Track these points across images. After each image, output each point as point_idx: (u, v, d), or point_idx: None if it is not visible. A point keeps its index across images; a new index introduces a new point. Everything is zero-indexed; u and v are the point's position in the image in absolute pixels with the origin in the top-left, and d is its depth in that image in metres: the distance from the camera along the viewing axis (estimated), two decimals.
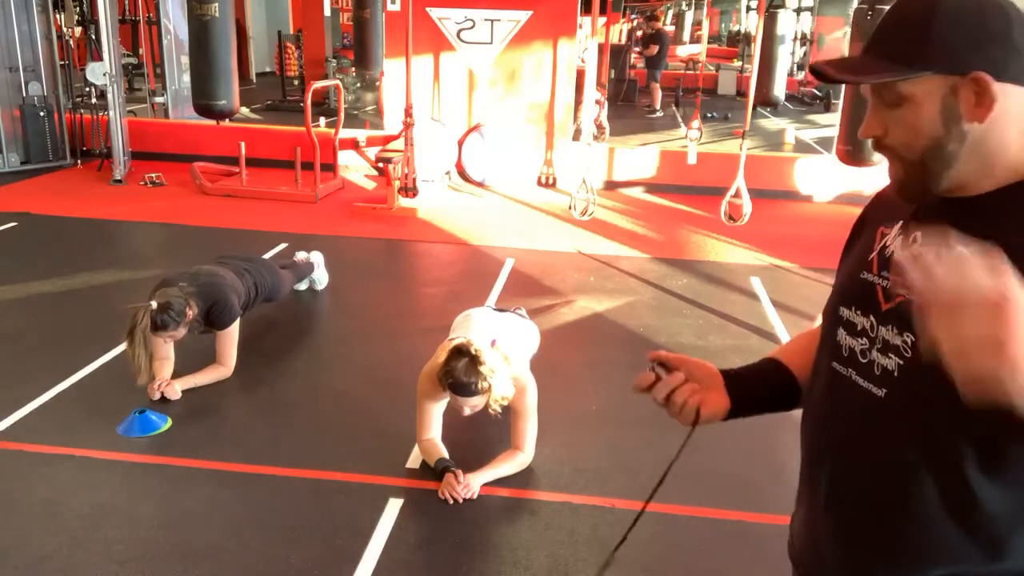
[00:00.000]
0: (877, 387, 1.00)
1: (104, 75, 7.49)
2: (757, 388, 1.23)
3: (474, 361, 2.76)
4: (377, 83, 11.66)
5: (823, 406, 1.10)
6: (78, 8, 10.72)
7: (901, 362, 0.97)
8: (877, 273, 1.04)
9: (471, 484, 2.85)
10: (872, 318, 1.02)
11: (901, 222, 1.06)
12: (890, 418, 0.98)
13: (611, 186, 8.06)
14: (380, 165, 7.62)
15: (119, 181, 7.60)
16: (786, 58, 11.08)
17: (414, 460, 3.08)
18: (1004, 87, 0.89)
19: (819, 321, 1.33)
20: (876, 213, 1.14)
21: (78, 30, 11.27)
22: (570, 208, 6.85)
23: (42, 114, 8.06)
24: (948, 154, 0.93)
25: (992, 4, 0.91)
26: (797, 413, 1.21)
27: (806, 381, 1.19)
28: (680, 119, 13.09)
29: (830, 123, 11.06)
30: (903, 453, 0.97)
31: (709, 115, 12.34)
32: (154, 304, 3.33)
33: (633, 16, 20.29)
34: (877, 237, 1.08)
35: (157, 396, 3.45)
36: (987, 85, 0.89)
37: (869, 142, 1.00)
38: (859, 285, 1.06)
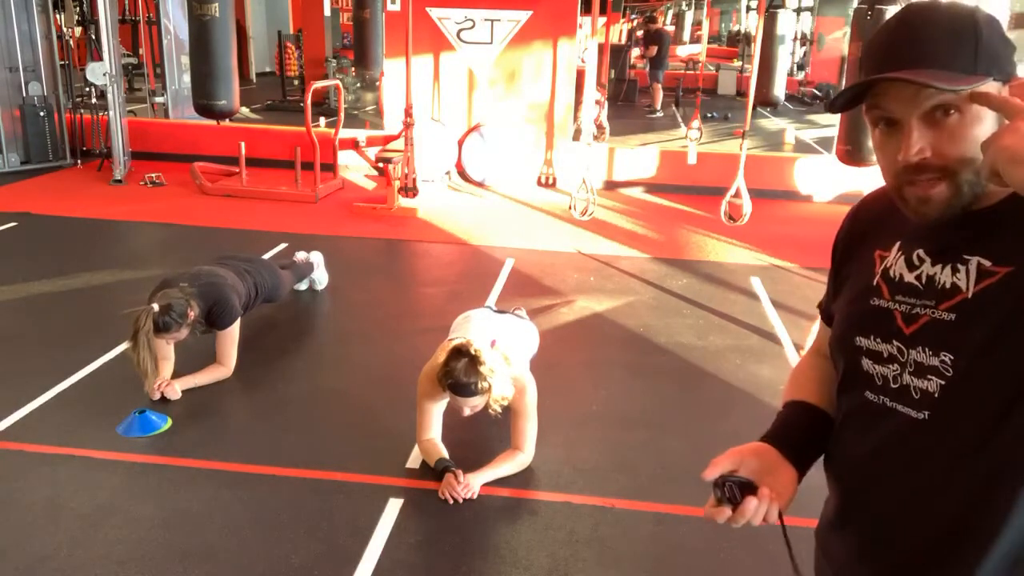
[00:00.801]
0: (916, 411, 0.98)
1: (104, 75, 7.49)
2: (808, 440, 1.17)
3: (474, 361, 2.76)
4: (377, 83, 11.67)
5: (860, 439, 1.07)
6: (78, 8, 10.72)
7: (943, 382, 0.95)
8: (891, 298, 1.02)
9: (471, 484, 2.85)
10: (897, 343, 1.00)
11: (899, 242, 1.04)
12: (935, 439, 0.96)
13: (611, 186, 8.06)
14: (380, 165, 7.62)
15: (119, 181, 7.61)
16: (786, 58, 11.09)
17: (414, 460, 3.08)
18: None
19: (808, 344, 1.31)
20: (863, 236, 1.12)
21: (78, 30, 11.27)
22: (570, 208, 6.85)
23: (42, 114, 8.06)
24: None
25: (994, 17, 0.92)
26: None
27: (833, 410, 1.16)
28: (680, 119, 13.09)
29: (830, 123, 11.06)
30: (953, 474, 0.95)
31: (709, 115, 12.35)
32: (155, 306, 3.33)
33: (633, 16, 20.31)
34: (876, 261, 1.06)
35: (157, 396, 3.45)
36: None
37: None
38: (872, 313, 1.04)
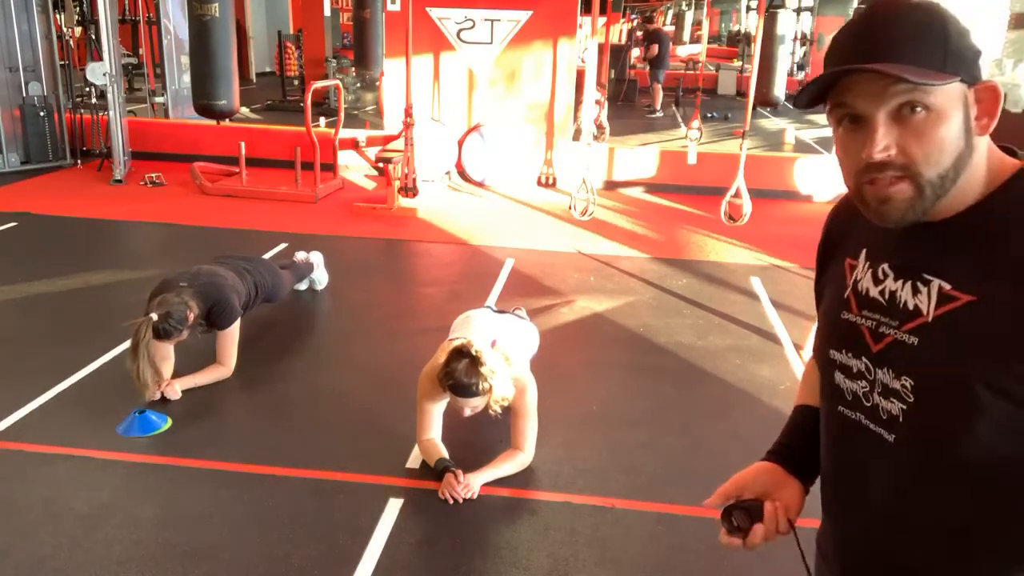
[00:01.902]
0: (887, 431, 0.97)
1: (104, 75, 7.49)
2: (810, 448, 1.16)
3: (475, 362, 2.76)
4: (377, 83, 11.67)
5: (838, 452, 1.07)
6: (78, 8, 10.73)
7: (904, 407, 0.95)
8: (858, 313, 1.01)
9: (471, 484, 2.85)
10: (866, 360, 0.99)
11: (865, 251, 1.03)
12: (904, 461, 0.96)
13: (611, 186, 8.06)
14: (380, 165, 7.62)
15: (119, 181, 7.61)
16: (786, 58, 11.09)
17: (414, 460, 3.08)
18: None
19: (809, 343, 1.33)
20: (836, 243, 1.11)
21: (78, 30, 11.28)
22: (570, 208, 6.85)
23: (42, 114, 8.06)
24: (960, 170, 0.89)
25: (959, 18, 0.90)
26: None
27: None
28: (680, 119, 13.10)
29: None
30: (915, 495, 0.95)
31: (709, 115, 12.36)
32: (154, 316, 3.32)
33: (633, 16, 20.32)
34: (847, 271, 1.05)
35: (157, 396, 3.45)
36: (999, 96, 0.88)
37: None
38: (843, 327, 1.03)
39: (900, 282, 0.96)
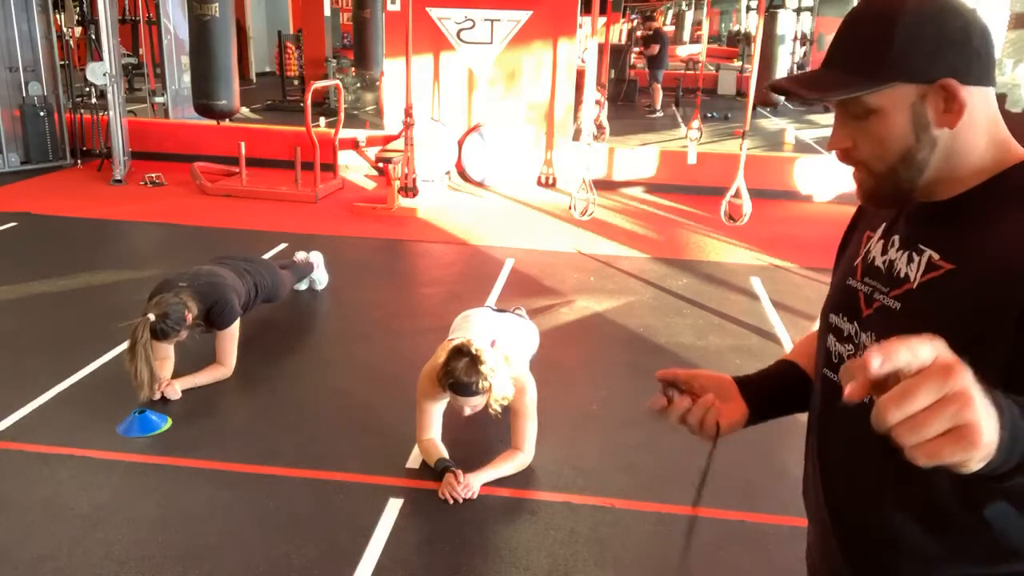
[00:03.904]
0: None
1: (104, 75, 7.49)
2: (772, 390, 1.21)
3: (475, 361, 2.76)
4: (377, 83, 11.67)
5: (819, 413, 1.10)
6: (78, 8, 10.71)
7: None
8: (860, 279, 1.04)
9: (471, 484, 2.85)
10: (856, 323, 1.03)
11: (884, 224, 1.06)
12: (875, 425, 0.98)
13: (611, 186, 8.06)
14: (380, 165, 7.62)
15: (119, 181, 7.61)
16: (786, 58, 11.09)
17: (414, 460, 3.08)
18: (970, 90, 0.90)
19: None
20: (865, 217, 1.15)
21: (78, 30, 11.26)
22: (570, 208, 6.85)
23: (42, 114, 8.06)
24: (919, 162, 0.93)
25: (951, 10, 0.90)
26: (803, 417, 1.20)
27: None
28: (680, 119, 13.09)
29: (830, 123, 11.03)
30: (890, 461, 0.96)
31: (709, 115, 12.35)
32: (152, 316, 3.32)
33: (633, 16, 20.32)
34: (863, 242, 1.09)
35: (157, 396, 3.45)
36: (956, 92, 0.89)
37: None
38: (845, 291, 1.07)
39: (900, 252, 1.00)
